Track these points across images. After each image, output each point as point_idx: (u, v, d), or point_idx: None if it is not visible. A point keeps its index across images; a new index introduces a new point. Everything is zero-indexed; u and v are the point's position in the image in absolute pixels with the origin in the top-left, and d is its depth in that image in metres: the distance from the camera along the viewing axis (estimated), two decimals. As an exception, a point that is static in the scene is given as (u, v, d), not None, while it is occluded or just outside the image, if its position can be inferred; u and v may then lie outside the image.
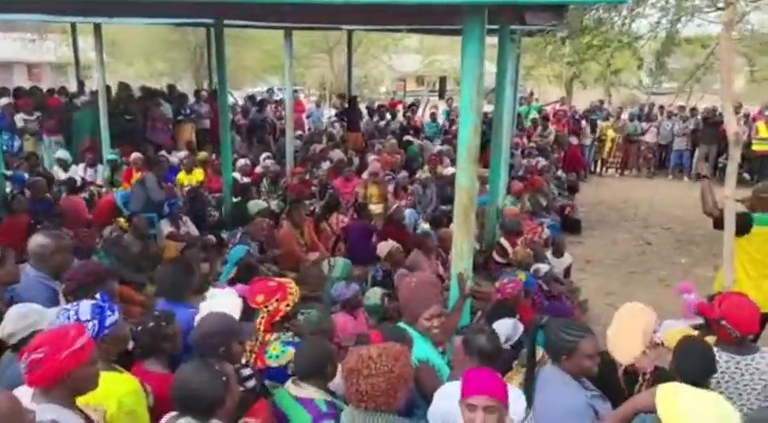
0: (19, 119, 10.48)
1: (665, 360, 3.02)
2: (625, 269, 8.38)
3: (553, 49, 9.65)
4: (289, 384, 2.89)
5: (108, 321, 2.68)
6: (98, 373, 2.31)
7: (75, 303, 2.75)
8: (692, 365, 2.71)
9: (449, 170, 9.82)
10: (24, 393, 2.14)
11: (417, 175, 9.83)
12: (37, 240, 3.78)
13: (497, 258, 7.06)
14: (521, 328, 4.23)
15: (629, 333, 2.93)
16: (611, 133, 15.12)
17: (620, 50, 8.43)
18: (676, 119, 14.83)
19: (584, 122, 15.25)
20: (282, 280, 3.70)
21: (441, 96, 25.37)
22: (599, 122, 15.48)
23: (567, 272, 7.22)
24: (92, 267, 3.64)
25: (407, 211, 8.25)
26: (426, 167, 10.43)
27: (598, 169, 15.67)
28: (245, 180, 9.40)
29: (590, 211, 11.49)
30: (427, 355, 3.14)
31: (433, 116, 15.04)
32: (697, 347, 2.82)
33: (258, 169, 10.14)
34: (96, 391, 2.35)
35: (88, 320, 2.63)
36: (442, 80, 34.31)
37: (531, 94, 20.63)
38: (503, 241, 7.15)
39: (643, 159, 15.18)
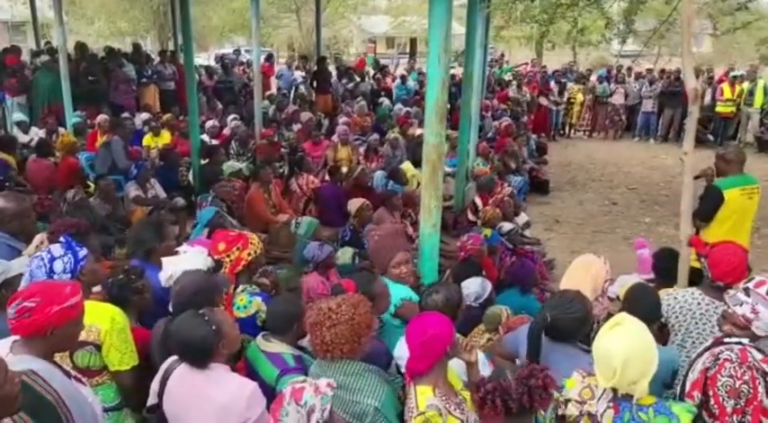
0: (-27, 80, 10.11)
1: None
2: (591, 228, 8.58)
3: (523, 10, 9.62)
4: (259, 338, 2.93)
5: (81, 254, 2.88)
6: (79, 334, 2.34)
7: (44, 249, 2.83)
8: (639, 307, 2.87)
9: (418, 131, 9.84)
10: (3, 345, 2.14)
11: (387, 137, 9.81)
12: (-4, 203, 3.74)
13: (470, 217, 7.17)
14: (489, 286, 4.31)
15: (579, 283, 3.03)
16: (579, 97, 15.25)
17: (587, 9, 8.44)
18: (644, 80, 15.00)
19: (552, 83, 15.35)
20: (244, 232, 3.72)
21: (411, 58, 25.12)
22: (569, 85, 15.58)
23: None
24: (75, 221, 3.80)
25: (378, 173, 8.26)
26: (396, 129, 10.42)
27: (566, 131, 15.84)
28: (214, 142, 9.27)
29: (558, 172, 11.66)
30: (408, 295, 3.35)
31: (403, 78, 14.94)
32: (644, 292, 3.01)
33: (226, 131, 10.01)
34: (90, 314, 2.47)
35: (62, 256, 2.79)
36: (413, 42, 33.94)
37: (502, 55, 20.61)
38: (476, 199, 7.26)
39: (610, 121, 15.39)
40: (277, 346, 2.84)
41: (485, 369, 2.89)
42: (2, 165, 7.25)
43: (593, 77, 16.14)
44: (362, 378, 2.52)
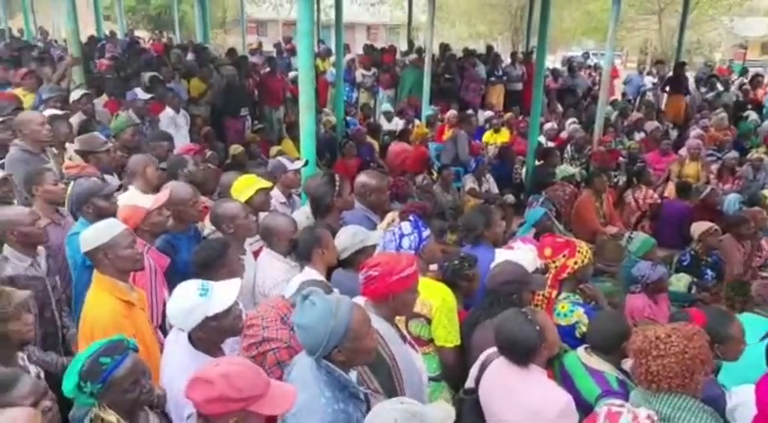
0: (358, 74, 12.02)
1: None
2: None
3: None
4: (581, 351, 2.85)
5: (424, 234, 3.17)
6: (415, 301, 2.61)
7: (396, 226, 3.27)
8: None
9: (793, 153, 8.28)
10: (360, 300, 2.53)
11: (749, 156, 8.50)
12: (360, 179, 4.41)
13: None
14: None
15: None
16: None
17: None
18: None
19: None
20: (573, 239, 3.66)
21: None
22: None
23: None
24: (422, 203, 4.37)
25: (731, 196, 7.23)
26: (762, 149, 8.95)
27: None
28: (550, 144, 9.30)
29: None
30: None
31: (781, 90, 12.70)
32: None
33: (563, 134, 9.94)
34: (425, 290, 2.77)
35: (410, 234, 3.15)
36: (800, 47, 28.56)
37: None
38: None
39: None
40: (600, 364, 2.73)
41: None
42: (369, 147, 8.54)
43: None
44: (695, 416, 2.22)
